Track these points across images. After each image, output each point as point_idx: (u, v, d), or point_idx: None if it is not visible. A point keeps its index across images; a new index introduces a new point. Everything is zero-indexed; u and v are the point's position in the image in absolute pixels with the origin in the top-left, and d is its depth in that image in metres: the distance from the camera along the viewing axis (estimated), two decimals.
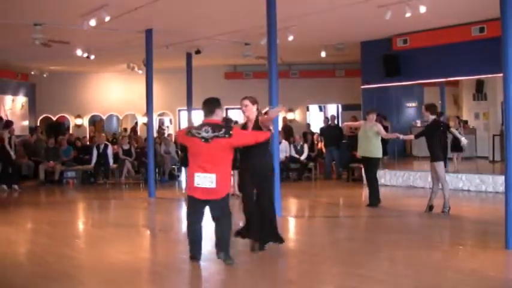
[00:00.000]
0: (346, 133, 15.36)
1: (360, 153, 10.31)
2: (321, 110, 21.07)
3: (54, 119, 20.90)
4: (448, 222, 8.65)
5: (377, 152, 10.07)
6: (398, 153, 14.68)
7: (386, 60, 13.92)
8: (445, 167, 12.89)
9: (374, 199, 10.08)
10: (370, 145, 10.02)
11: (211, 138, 5.76)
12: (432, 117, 9.21)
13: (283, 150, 14.48)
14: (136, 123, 20.99)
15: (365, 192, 12.43)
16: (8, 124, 14.20)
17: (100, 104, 20.71)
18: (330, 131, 15.71)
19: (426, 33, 13.28)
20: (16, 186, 13.74)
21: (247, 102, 6.54)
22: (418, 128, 15.74)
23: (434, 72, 13.26)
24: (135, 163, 15.34)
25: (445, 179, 9.18)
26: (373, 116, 10.22)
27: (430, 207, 9.27)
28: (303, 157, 14.91)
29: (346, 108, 19.39)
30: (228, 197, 6.06)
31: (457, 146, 13.34)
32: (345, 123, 12.10)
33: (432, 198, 9.31)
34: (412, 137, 10.03)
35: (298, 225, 9.00)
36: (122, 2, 10.09)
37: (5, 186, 13.69)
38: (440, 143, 9.34)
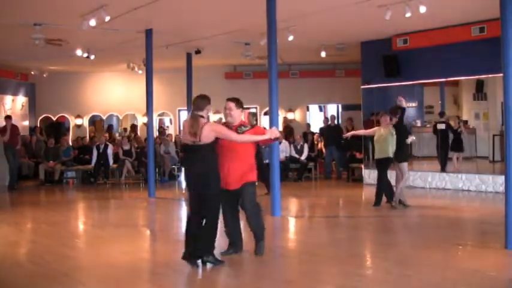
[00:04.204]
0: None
1: (378, 155, 10.01)
2: (321, 110, 21.06)
3: (54, 119, 20.89)
4: (448, 222, 8.66)
5: (392, 151, 9.96)
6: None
7: (386, 60, 13.91)
8: (445, 166, 13.01)
9: (381, 198, 10.10)
10: (389, 146, 9.87)
11: None
12: (394, 119, 9.74)
13: (283, 150, 14.49)
14: (133, 124, 20.93)
15: (365, 192, 12.47)
16: None
17: (100, 104, 20.69)
18: (330, 131, 15.70)
19: (426, 33, 13.26)
20: None
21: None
22: (419, 128, 15.77)
23: (434, 72, 13.25)
24: (135, 163, 15.35)
25: (408, 177, 9.84)
26: (385, 118, 10.01)
27: (400, 202, 9.74)
28: (303, 157, 14.91)
29: (346, 108, 19.38)
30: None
31: (457, 146, 13.40)
32: (352, 132, 11.59)
33: (401, 194, 9.79)
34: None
35: (298, 225, 9.00)
36: (122, 2, 10.09)
37: None
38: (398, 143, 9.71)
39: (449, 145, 13.28)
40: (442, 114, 13.60)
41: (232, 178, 6.12)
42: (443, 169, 12.99)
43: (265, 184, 11.18)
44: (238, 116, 6.26)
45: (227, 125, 6.25)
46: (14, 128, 14.51)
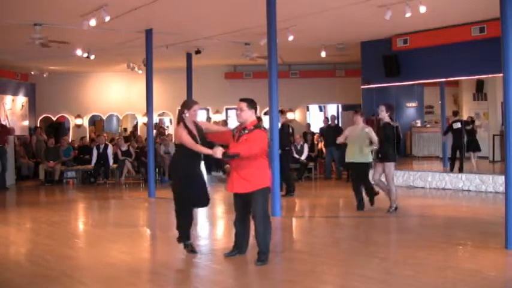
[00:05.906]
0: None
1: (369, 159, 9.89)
2: (321, 110, 21.07)
3: (54, 119, 20.90)
4: (448, 223, 8.66)
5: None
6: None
7: (386, 60, 13.92)
8: (462, 166, 12.90)
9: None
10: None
11: None
12: (387, 117, 9.36)
13: None
14: (135, 125, 20.94)
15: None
16: None
17: (100, 104, 20.71)
18: (330, 131, 15.70)
19: (426, 33, 13.27)
20: None
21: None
22: (419, 128, 15.77)
23: (434, 72, 13.26)
24: (135, 163, 15.36)
25: (393, 180, 9.31)
26: (361, 116, 9.87)
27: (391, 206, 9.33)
28: (303, 157, 14.91)
29: (346, 108, 19.38)
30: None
31: (473, 146, 13.35)
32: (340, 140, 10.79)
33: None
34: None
35: (298, 225, 9.00)
36: (122, 2, 10.09)
37: None
38: (392, 143, 9.38)
39: (465, 145, 13.15)
40: (456, 113, 13.46)
41: (236, 182, 6.05)
42: (451, 169, 12.97)
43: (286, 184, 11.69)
44: (250, 117, 6.09)
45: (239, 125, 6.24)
46: (2, 127, 14.34)
